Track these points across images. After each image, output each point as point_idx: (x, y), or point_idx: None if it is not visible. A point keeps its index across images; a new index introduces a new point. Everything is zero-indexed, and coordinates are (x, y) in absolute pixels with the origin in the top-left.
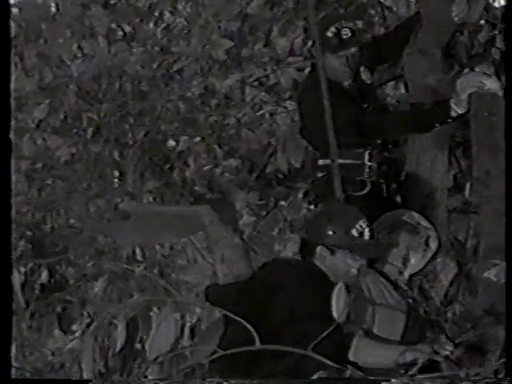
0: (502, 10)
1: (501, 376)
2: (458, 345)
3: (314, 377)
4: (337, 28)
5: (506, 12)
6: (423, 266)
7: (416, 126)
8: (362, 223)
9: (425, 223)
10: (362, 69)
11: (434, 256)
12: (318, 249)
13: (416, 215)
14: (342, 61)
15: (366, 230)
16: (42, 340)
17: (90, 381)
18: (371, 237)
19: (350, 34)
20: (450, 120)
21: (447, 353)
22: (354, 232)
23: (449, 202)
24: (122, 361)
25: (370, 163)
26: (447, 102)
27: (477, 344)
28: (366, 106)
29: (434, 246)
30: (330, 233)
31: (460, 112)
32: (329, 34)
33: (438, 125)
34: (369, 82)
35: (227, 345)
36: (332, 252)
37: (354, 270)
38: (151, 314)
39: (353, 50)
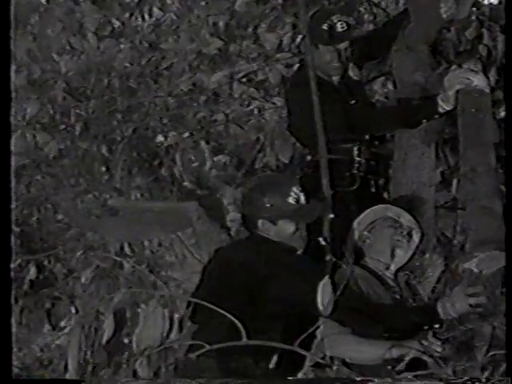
0: (494, 7)
1: (488, 373)
2: (444, 341)
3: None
4: (332, 21)
5: (507, 12)
6: (409, 259)
7: (403, 121)
8: (296, 189)
9: (406, 216)
10: (350, 65)
11: (423, 252)
12: (260, 222)
13: (396, 209)
14: (333, 55)
15: (301, 195)
16: (30, 336)
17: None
18: (307, 201)
19: (345, 28)
20: (437, 116)
21: (435, 350)
22: (291, 200)
23: (436, 199)
24: (109, 355)
25: (358, 158)
26: (434, 99)
27: (463, 340)
28: (353, 102)
29: (416, 237)
30: (268, 205)
31: (447, 108)
32: (324, 27)
33: (425, 120)
34: (356, 78)
35: (213, 339)
36: (274, 223)
37: (299, 233)
38: (139, 307)
39: (346, 43)
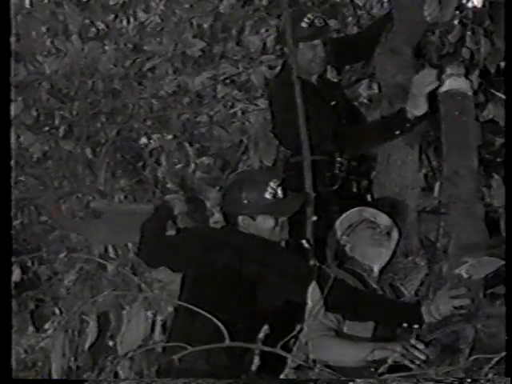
0: (477, 10)
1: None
2: (428, 343)
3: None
4: (310, 18)
5: (506, 13)
6: (390, 258)
7: (379, 137)
8: (273, 184)
9: (382, 216)
10: (328, 67)
11: (398, 245)
12: (240, 219)
13: (372, 210)
14: (316, 50)
15: (279, 189)
16: (14, 338)
17: (86, 381)
18: (285, 195)
19: (323, 23)
20: (410, 124)
21: (418, 357)
22: (267, 195)
23: (419, 202)
24: (93, 357)
25: (340, 159)
26: (402, 110)
27: (446, 343)
28: (334, 103)
29: (395, 235)
30: (245, 201)
31: (419, 114)
32: (303, 24)
33: (398, 132)
34: (335, 80)
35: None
36: (253, 219)
37: (278, 228)
38: (122, 309)
39: (326, 38)
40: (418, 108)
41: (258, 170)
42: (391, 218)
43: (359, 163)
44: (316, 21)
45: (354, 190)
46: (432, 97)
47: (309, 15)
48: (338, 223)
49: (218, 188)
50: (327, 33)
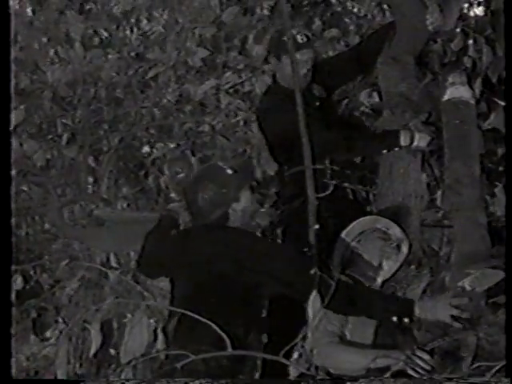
0: (479, 19)
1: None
2: (430, 352)
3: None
4: (292, 33)
5: (506, 16)
6: (395, 271)
7: (365, 150)
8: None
9: (395, 228)
10: (314, 85)
11: (409, 263)
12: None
13: (386, 221)
14: (294, 66)
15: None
16: (16, 346)
17: (83, 381)
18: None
19: (305, 40)
20: (397, 148)
21: (424, 363)
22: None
23: (422, 212)
24: (97, 366)
25: (331, 166)
26: (396, 133)
27: (449, 351)
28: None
29: (405, 249)
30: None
31: (405, 145)
32: (284, 38)
33: (385, 151)
34: (322, 95)
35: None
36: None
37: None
38: (125, 318)
39: (308, 54)
40: (407, 140)
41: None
42: (404, 232)
43: (352, 170)
44: (298, 37)
45: (350, 197)
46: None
47: (292, 30)
48: (348, 228)
49: None
50: (308, 48)
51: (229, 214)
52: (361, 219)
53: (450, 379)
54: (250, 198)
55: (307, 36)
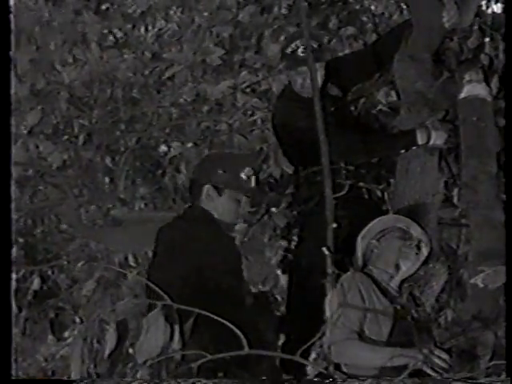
0: (496, 16)
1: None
2: (448, 350)
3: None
4: (296, 45)
5: (507, 17)
6: (415, 271)
7: (383, 152)
8: (249, 171)
9: (416, 228)
10: (328, 85)
11: (426, 261)
12: (206, 188)
13: (407, 220)
14: (303, 76)
15: (253, 177)
16: (35, 346)
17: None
18: (257, 183)
19: (305, 52)
20: (415, 147)
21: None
22: (243, 175)
23: (440, 210)
24: (112, 366)
25: (346, 167)
26: (414, 132)
27: (466, 349)
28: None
29: (425, 250)
30: (220, 171)
31: (423, 143)
32: (288, 51)
33: (403, 151)
34: (339, 95)
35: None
36: (219, 192)
37: (241, 210)
38: (142, 317)
39: (317, 65)
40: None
41: (238, 152)
42: (425, 232)
43: (367, 170)
44: (299, 50)
45: (365, 196)
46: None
47: (295, 42)
48: (369, 226)
49: None
50: (311, 62)
51: (202, 193)
52: (382, 217)
53: (458, 380)
54: (229, 201)
55: (312, 47)
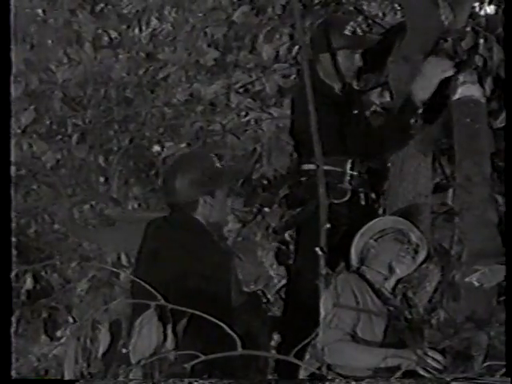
0: (490, 17)
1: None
2: (441, 351)
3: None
4: (353, 26)
5: (506, 18)
6: (410, 273)
7: (394, 134)
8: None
9: (415, 232)
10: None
11: (422, 264)
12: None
13: (407, 223)
14: (354, 59)
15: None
16: (28, 346)
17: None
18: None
19: (363, 33)
20: (419, 112)
21: (436, 362)
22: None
23: (432, 209)
24: (106, 366)
25: (351, 172)
26: (409, 97)
27: (460, 350)
28: (355, 112)
29: (423, 253)
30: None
31: (424, 97)
32: (346, 31)
33: (413, 121)
34: (357, 87)
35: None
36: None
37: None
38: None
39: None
40: (423, 90)
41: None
42: (424, 237)
43: (370, 176)
44: (358, 30)
45: (362, 202)
46: (443, 103)
47: (351, 23)
48: (368, 225)
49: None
50: (369, 42)
51: (198, 204)
52: (383, 218)
53: (456, 379)
54: (224, 200)
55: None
